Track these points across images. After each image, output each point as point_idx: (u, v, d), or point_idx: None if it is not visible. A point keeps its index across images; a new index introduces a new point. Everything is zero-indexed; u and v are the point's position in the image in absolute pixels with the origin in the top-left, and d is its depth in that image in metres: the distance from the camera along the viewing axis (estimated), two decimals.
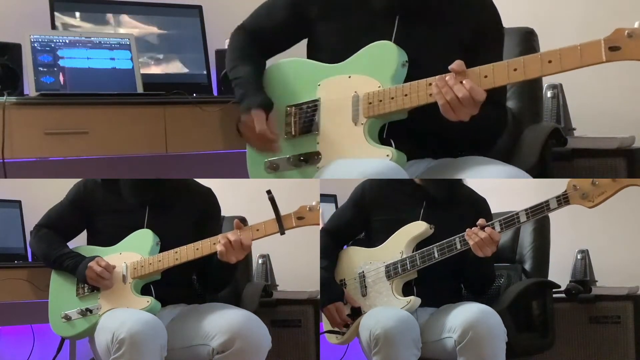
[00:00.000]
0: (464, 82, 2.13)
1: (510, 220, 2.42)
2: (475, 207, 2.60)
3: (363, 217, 2.72)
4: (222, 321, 2.42)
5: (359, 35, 2.35)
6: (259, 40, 2.52)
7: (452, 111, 2.15)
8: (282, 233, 2.44)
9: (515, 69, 2.12)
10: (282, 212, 2.42)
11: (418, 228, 2.57)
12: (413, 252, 2.55)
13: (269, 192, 2.37)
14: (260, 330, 2.41)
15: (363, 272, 2.64)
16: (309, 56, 2.48)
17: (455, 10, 2.35)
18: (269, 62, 2.55)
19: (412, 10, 2.34)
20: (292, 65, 2.48)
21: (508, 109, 2.56)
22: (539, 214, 2.38)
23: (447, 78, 2.15)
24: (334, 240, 2.76)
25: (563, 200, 2.34)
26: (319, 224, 2.45)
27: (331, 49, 2.39)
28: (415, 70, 2.27)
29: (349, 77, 2.35)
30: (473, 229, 2.44)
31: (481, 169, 2.32)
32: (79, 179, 2.73)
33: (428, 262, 2.52)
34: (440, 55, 2.28)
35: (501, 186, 2.63)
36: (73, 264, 2.61)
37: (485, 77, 2.15)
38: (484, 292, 2.67)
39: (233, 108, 2.74)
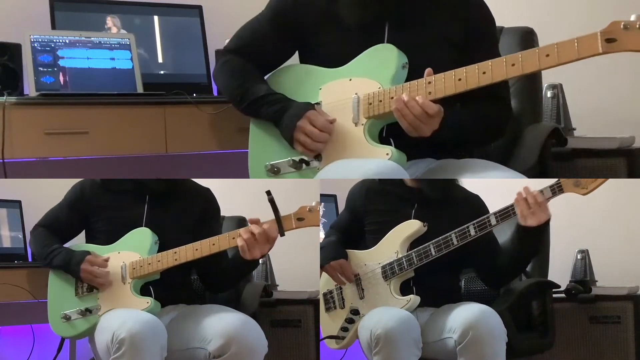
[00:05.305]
0: (417, 98, 2.18)
1: (506, 213, 2.42)
2: (469, 204, 2.59)
3: (358, 219, 2.71)
4: (219, 325, 2.41)
5: (351, 44, 2.35)
6: (250, 60, 2.51)
7: (414, 130, 2.21)
8: (282, 235, 2.43)
9: (513, 64, 2.13)
10: (282, 213, 2.42)
11: (411, 227, 2.56)
12: (408, 251, 2.55)
13: (268, 192, 2.36)
14: (256, 334, 2.40)
15: (359, 274, 2.63)
16: None
17: (443, 11, 2.36)
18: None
19: (401, 15, 2.34)
20: (294, 72, 2.48)
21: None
22: None
23: (402, 96, 2.20)
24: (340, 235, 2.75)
25: (557, 188, 2.34)
26: (319, 225, 2.44)
27: (325, 60, 2.40)
28: (409, 74, 2.28)
29: (350, 79, 2.36)
30: (518, 194, 2.36)
31: (482, 173, 2.32)
32: (79, 179, 2.73)
33: (425, 260, 2.51)
34: (432, 57, 2.30)
35: (500, 188, 2.62)
36: (62, 260, 2.62)
37: (484, 73, 2.16)
38: (506, 283, 2.65)
39: (233, 109, 2.75)
